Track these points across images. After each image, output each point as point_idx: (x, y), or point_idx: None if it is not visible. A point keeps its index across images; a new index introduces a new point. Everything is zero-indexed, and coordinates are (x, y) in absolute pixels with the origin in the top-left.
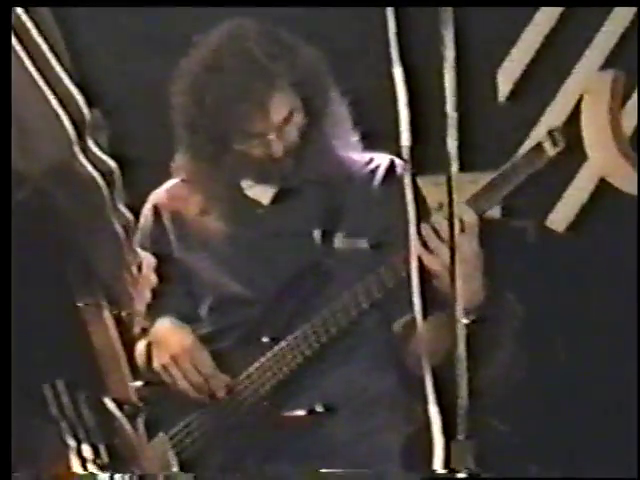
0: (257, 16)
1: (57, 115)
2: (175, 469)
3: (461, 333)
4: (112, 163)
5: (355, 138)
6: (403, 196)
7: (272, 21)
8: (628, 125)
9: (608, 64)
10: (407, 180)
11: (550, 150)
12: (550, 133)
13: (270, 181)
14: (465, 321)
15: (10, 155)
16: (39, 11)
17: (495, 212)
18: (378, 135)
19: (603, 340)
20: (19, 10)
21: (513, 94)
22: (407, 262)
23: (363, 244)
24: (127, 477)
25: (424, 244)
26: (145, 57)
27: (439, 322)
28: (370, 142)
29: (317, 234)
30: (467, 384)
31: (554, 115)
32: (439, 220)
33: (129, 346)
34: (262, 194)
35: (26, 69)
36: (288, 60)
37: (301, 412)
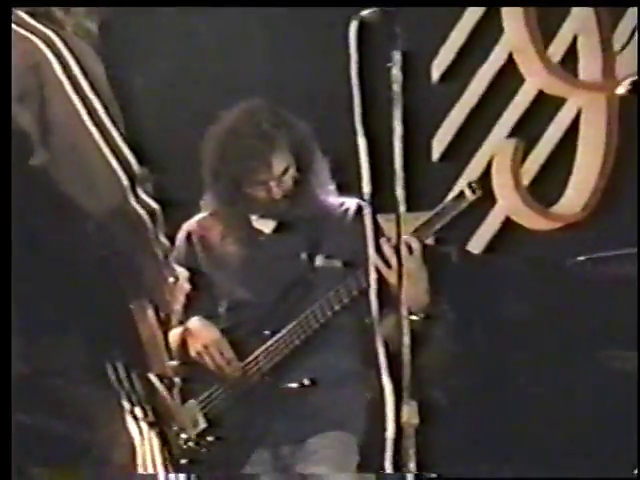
0: (265, 96)
1: (114, 170)
2: (203, 425)
3: (406, 326)
4: (155, 205)
5: (332, 187)
6: (365, 229)
7: (275, 101)
8: (527, 178)
9: (512, 133)
10: (368, 217)
11: (470, 196)
12: (469, 184)
13: (271, 216)
14: (415, 317)
15: (10, 156)
16: (97, 77)
17: (430, 240)
18: (348, 185)
19: (510, 333)
20: (81, 79)
21: (443, 156)
22: (367, 276)
23: (337, 263)
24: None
25: (385, 262)
26: (180, 125)
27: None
28: (342, 190)
29: (304, 256)
30: (410, 362)
31: (472, 171)
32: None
33: (167, 337)
34: (265, 225)
35: (91, 133)
36: (286, 130)
37: (293, 385)
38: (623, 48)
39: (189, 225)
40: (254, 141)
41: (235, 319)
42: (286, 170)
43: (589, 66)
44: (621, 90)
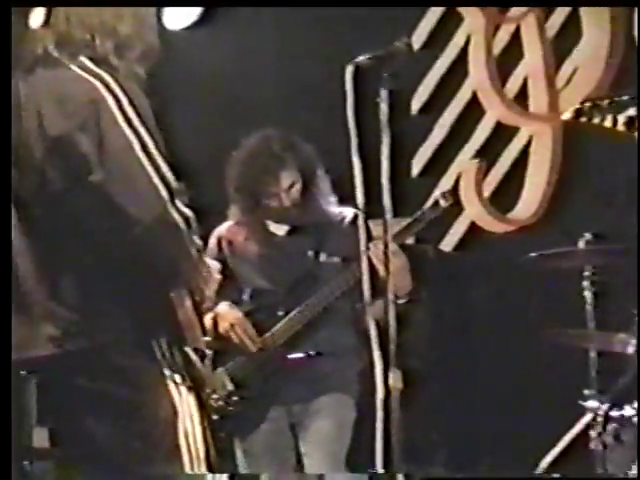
0: (278, 125)
1: (157, 185)
2: (229, 387)
3: (392, 309)
4: (190, 213)
5: (333, 198)
6: (359, 232)
7: (286, 129)
8: (488, 190)
9: (476, 155)
10: (361, 223)
11: (443, 205)
12: (443, 194)
13: (283, 222)
14: (401, 301)
15: (10, 157)
16: (144, 111)
17: (411, 240)
18: (346, 197)
19: (475, 314)
20: (131, 113)
21: (421, 173)
22: (360, 269)
23: (337, 259)
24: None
25: (377, 258)
26: (210, 149)
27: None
28: (341, 201)
29: (310, 253)
30: (395, 338)
31: (444, 185)
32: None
33: (201, 318)
34: (279, 229)
35: (138, 156)
36: (294, 152)
37: (301, 355)
38: (563, 88)
39: (219, 231)
40: (267, 162)
41: (255, 303)
42: (293, 185)
43: (537, 102)
44: (566, 116)
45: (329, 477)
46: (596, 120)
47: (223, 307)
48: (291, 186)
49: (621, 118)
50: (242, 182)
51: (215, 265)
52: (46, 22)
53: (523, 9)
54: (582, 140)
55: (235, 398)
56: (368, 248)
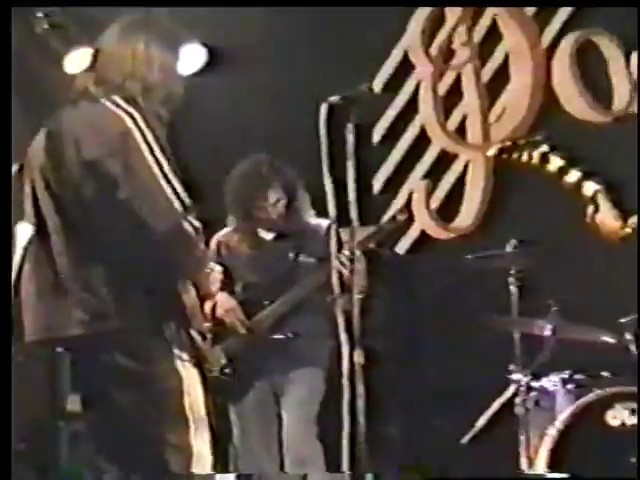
0: (267, 152)
1: (172, 201)
2: (223, 361)
3: (356, 301)
4: (198, 224)
5: (311, 212)
6: (331, 239)
7: (274, 155)
8: (434, 204)
9: (425, 176)
10: (333, 231)
11: (399, 218)
12: (399, 210)
13: (271, 230)
14: (359, 296)
15: (10, 157)
16: (163, 142)
17: (373, 245)
18: (321, 211)
19: (423, 305)
20: (152, 143)
21: (381, 191)
22: (329, 270)
23: (312, 260)
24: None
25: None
26: (213, 172)
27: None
28: (318, 214)
29: (292, 255)
30: (359, 324)
31: (399, 201)
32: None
33: (202, 306)
34: (267, 235)
35: (157, 178)
36: (279, 175)
37: (282, 336)
38: (494, 123)
39: (218, 236)
40: (258, 182)
41: (246, 294)
42: (278, 200)
43: (473, 134)
44: (491, 152)
45: (311, 477)
46: (515, 156)
47: (220, 297)
48: (277, 201)
49: (535, 154)
50: (237, 197)
51: (215, 264)
52: (91, 67)
53: (463, 60)
54: (508, 166)
55: (228, 370)
56: (339, 253)
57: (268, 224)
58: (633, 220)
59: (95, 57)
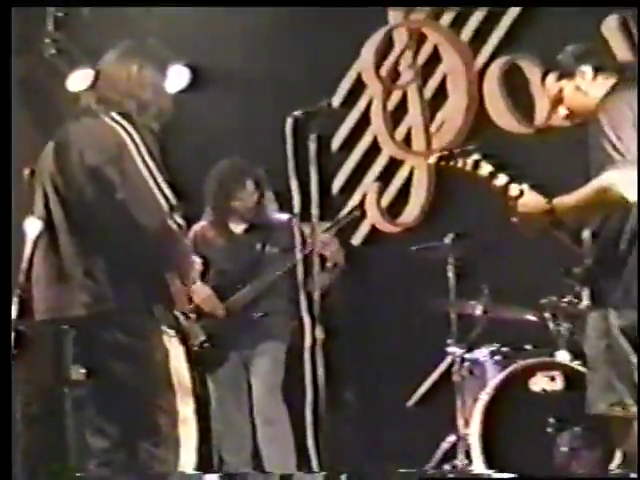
0: (242, 155)
1: (161, 202)
2: (202, 337)
3: (317, 284)
4: (182, 222)
5: (275, 206)
6: (295, 231)
7: (248, 158)
8: (385, 203)
9: (377, 179)
10: (296, 224)
11: (354, 213)
12: (354, 207)
13: (241, 223)
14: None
15: (10, 156)
16: (153, 151)
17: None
18: (286, 207)
19: (374, 286)
20: (144, 152)
21: (340, 191)
22: (295, 257)
23: (277, 251)
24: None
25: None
26: (196, 174)
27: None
28: (283, 209)
29: (259, 246)
30: (319, 305)
31: (355, 199)
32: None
33: (186, 292)
34: (238, 228)
35: (148, 182)
36: (251, 175)
37: (254, 315)
38: (435, 134)
39: (195, 228)
40: (232, 179)
41: (220, 280)
42: (249, 195)
43: (417, 143)
44: (431, 160)
45: (296, 476)
46: (451, 163)
47: (197, 286)
48: (247, 196)
49: (469, 161)
50: (214, 194)
51: (196, 258)
52: (92, 86)
53: (408, 80)
54: (447, 171)
55: (206, 345)
56: (304, 243)
57: (239, 216)
58: (557, 199)
59: (96, 77)
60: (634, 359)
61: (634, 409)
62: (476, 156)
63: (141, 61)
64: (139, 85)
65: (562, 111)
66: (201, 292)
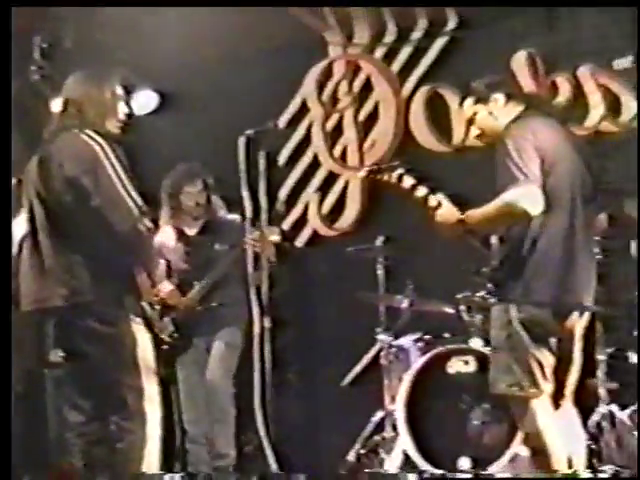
0: (196, 162)
1: (131, 207)
2: (171, 329)
3: (264, 277)
4: (150, 225)
5: (224, 209)
6: (244, 231)
7: (201, 165)
8: (325, 210)
9: (317, 190)
10: (248, 226)
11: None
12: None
13: (195, 224)
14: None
15: (10, 156)
16: (124, 163)
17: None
18: (235, 210)
19: (313, 281)
20: (116, 164)
21: (285, 201)
22: (245, 253)
23: (226, 247)
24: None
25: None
26: (158, 181)
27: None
28: (231, 211)
29: (210, 245)
30: (267, 295)
31: (298, 209)
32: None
33: (153, 286)
34: (191, 231)
35: (119, 189)
36: (203, 181)
37: (215, 304)
38: (368, 152)
39: (157, 239)
40: (186, 184)
41: (181, 278)
42: (199, 194)
43: (352, 160)
44: (361, 174)
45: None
46: (379, 177)
47: (162, 285)
48: (197, 194)
49: (394, 175)
50: (170, 197)
51: (161, 260)
52: (64, 110)
53: (345, 105)
54: (377, 183)
55: (175, 335)
56: (252, 241)
57: (190, 215)
58: (470, 212)
59: (65, 104)
60: (532, 348)
61: (531, 390)
62: (400, 170)
63: (112, 85)
64: (111, 107)
65: (474, 131)
66: (165, 289)
